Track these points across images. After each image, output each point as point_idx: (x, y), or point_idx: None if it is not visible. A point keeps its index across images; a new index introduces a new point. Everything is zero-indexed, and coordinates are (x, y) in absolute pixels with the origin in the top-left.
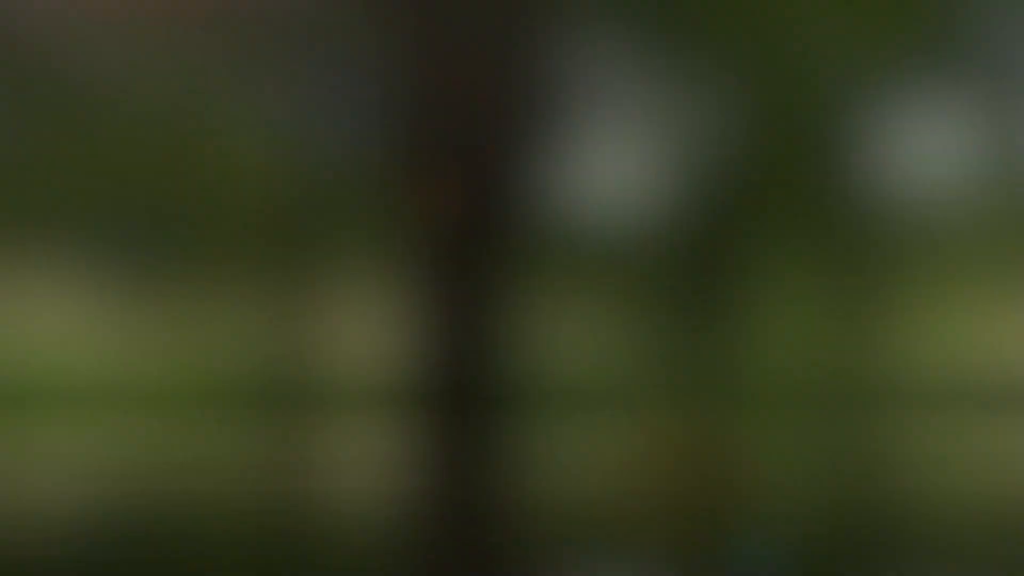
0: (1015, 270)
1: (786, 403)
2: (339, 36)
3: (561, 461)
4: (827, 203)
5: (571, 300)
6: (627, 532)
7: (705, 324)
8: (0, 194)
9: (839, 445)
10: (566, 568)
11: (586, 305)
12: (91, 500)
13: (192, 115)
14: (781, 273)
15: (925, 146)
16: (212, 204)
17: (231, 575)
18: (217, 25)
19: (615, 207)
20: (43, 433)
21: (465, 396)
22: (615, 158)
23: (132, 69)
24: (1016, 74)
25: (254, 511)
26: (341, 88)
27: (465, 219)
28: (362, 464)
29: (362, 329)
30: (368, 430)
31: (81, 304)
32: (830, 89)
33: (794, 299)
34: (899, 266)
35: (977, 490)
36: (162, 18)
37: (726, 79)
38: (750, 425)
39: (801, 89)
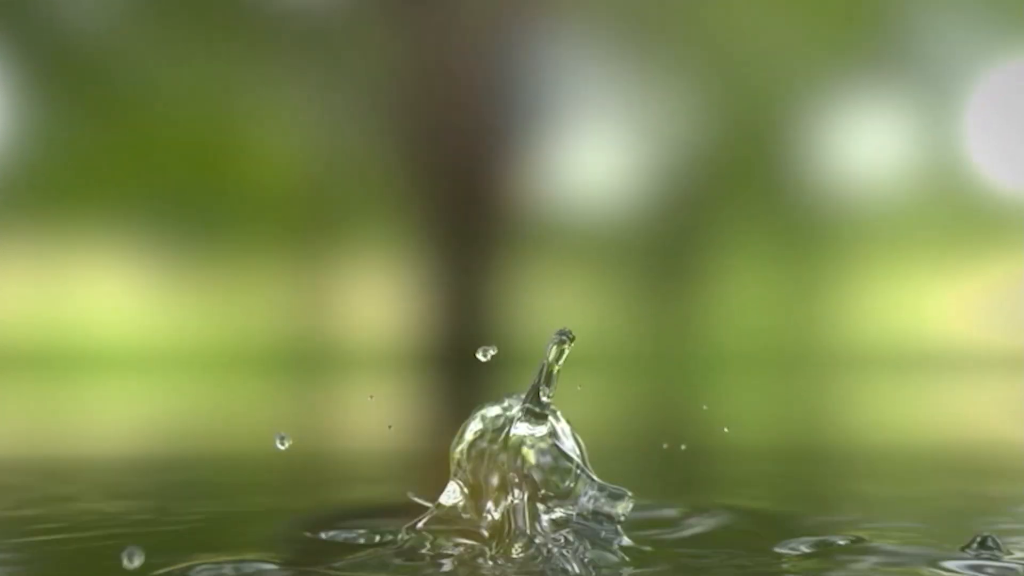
0: (944, 252)
1: (746, 365)
2: (354, 43)
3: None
4: (782, 189)
5: (557, 274)
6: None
7: (676, 296)
8: (62, 182)
9: (793, 401)
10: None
11: (570, 278)
12: (137, 449)
13: (227, 110)
14: (742, 252)
15: (867, 139)
16: (247, 190)
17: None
18: (247, 31)
19: (595, 193)
20: (96, 390)
21: (461, 357)
22: (594, 150)
23: (172, 70)
24: (949, 75)
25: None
26: (355, 88)
27: (464, 202)
28: (375, 416)
29: (376, 300)
30: (382, 388)
31: (130, 279)
32: (784, 90)
33: (753, 275)
34: (845, 247)
35: (910, 442)
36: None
37: (690, 81)
38: (714, 383)
39: (757, 89)
